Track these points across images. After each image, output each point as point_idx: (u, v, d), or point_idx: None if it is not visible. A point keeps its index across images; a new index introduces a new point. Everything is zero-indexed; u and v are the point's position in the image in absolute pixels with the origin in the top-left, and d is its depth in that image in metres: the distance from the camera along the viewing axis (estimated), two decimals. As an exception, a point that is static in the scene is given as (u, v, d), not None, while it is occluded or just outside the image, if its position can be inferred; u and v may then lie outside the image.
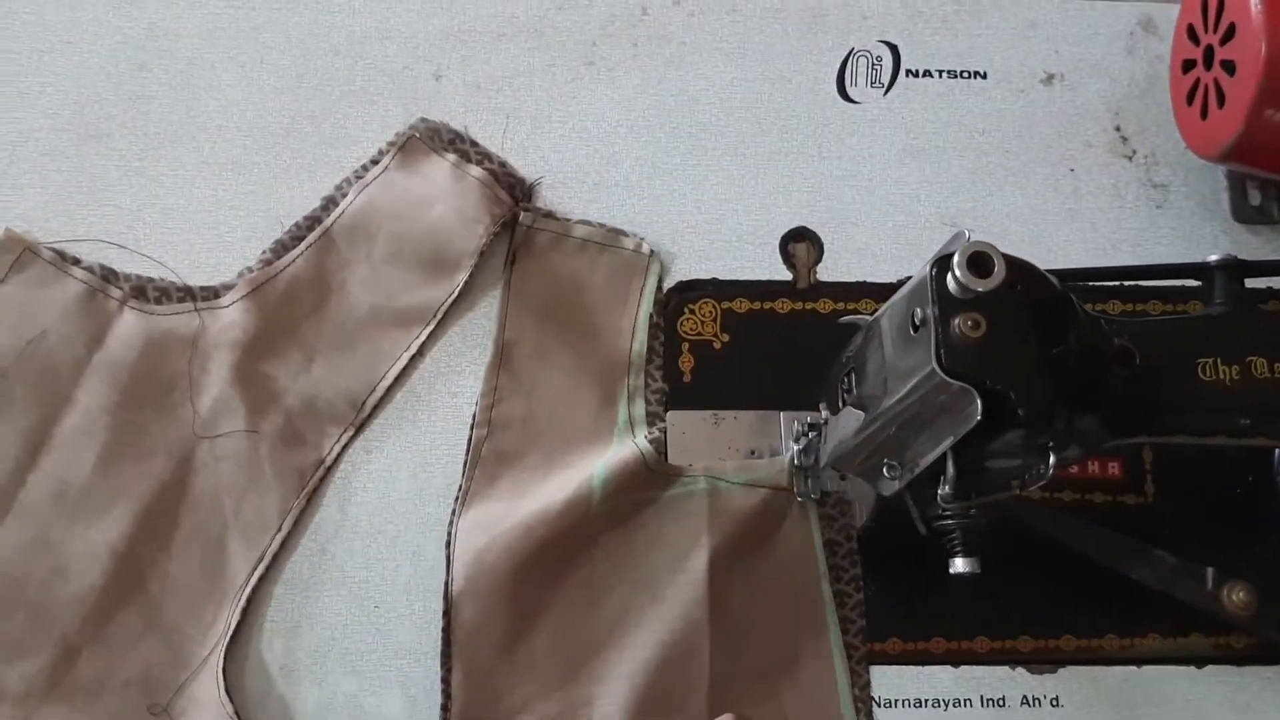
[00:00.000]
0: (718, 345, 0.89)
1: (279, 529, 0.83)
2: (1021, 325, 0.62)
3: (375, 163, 0.91)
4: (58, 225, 0.89)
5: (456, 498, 0.85)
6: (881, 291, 0.91)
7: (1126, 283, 0.92)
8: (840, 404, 0.75)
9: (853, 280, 0.92)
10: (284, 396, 0.86)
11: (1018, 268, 0.62)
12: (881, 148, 0.95)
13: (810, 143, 0.95)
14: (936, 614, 0.85)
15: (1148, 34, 0.99)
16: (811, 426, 0.84)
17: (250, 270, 0.88)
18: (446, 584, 0.82)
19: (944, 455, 0.66)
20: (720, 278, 0.91)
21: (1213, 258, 0.76)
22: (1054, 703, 0.84)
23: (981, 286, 0.60)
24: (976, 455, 0.66)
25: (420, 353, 0.88)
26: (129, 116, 0.92)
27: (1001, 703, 0.84)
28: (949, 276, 0.61)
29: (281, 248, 0.89)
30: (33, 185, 0.90)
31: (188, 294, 0.87)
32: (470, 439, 0.86)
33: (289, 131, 0.93)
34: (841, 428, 0.74)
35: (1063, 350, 0.63)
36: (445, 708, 0.81)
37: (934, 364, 0.61)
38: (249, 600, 0.81)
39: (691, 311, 0.90)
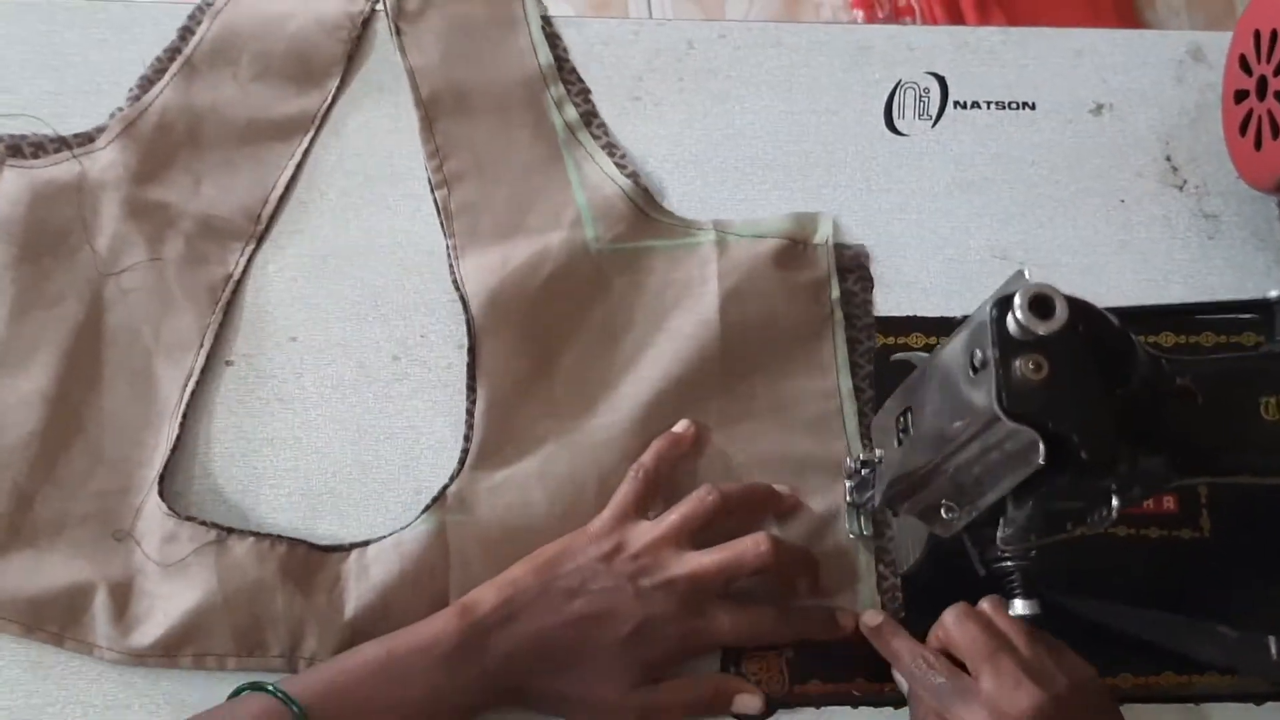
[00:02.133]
0: (768, 381, 0.89)
1: (200, 345, 0.86)
2: (1083, 367, 0.61)
3: None
4: (108, 265, 0.89)
5: (447, 252, 0.89)
6: (932, 325, 0.90)
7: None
8: (896, 443, 0.74)
9: (903, 314, 0.91)
10: (179, 221, 0.88)
11: (1079, 308, 0.61)
12: (930, 180, 0.95)
13: (858, 176, 0.94)
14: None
15: (1197, 63, 0.98)
16: (865, 463, 0.83)
17: (120, 109, 0.90)
18: (468, 322, 0.86)
19: (1003, 497, 0.65)
20: (769, 313, 0.90)
21: (1273, 293, 0.75)
22: (1111, 741, 0.83)
23: (1043, 329, 0.59)
24: (1037, 497, 0.65)
25: (306, 160, 0.92)
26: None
27: (1058, 741, 0.83)
28: (1010, 318, 0.60)
29: (147, 82, 0.91)
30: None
31: (63, 143, 0.89)
32: (436, 201, 0.90)
33: (335, 169, 0.93)
34: (897, 468, 0.74)
35: (1125, 391, 0.63)
36: (467, 438, 0.85)
37: (995, 407, 0.60)
38: (185, 416, 0.85)
39: (741, 347, 0.89)
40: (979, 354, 0.62)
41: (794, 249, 0.90)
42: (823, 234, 0.91)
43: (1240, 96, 0.91)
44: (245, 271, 0.89)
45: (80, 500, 0.83)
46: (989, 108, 0.97)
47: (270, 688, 0.73)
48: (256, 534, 0.81)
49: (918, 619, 0.83)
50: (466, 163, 0.91)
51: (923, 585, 0.85)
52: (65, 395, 0.84)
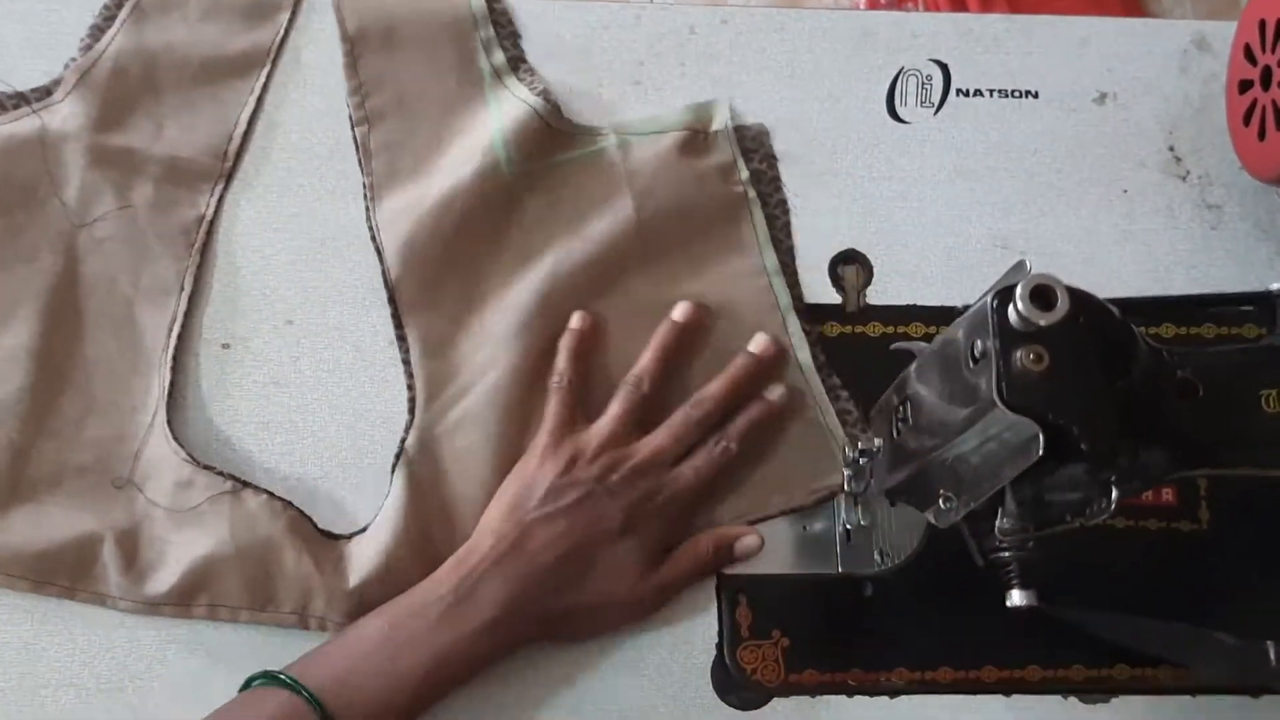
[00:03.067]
0: (767, 369, 0.89)
1: (181, 288, 0.87)
2: (1084, 358, 0.61)
3: None
4: (104, 247, 0.89)
5: (364, 194, 0.89)
6: (932, 315, 0.90)
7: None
8: (895, 433, 0.74)
9: (903, 303, 0.91)
10: (146, 166, 0.88)
11: (1080, 299, 0.61)
12: (932, 168, 0.94)
13: (859, 163, 0.94)
14: (988, 642, 0.84)
15: (1201, 52, 0.98)
16: (862, 452, 0.83)
17: (73, 60, 0.89)
18: (384, 273, 0.87)
19: (1002, 488, 0.65)
20: (769, 301, 0.90)
21: (1275, 286, 0.74)
22: (1107, 733, 0.83)
23: (1044, 320, 0.59)
24: (1036, 488, 0.65)
25: (266, 93, 0.92)
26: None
27: (1054, 733, 0.83)
28: (1010, 309, 0.60)
29: (98, 31, 0.90)
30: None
31: (21, 99, 0.89)
32: (355, 138, 0.90)
33: (332, 154, 0.92)
34: (895, 458, 0.73)
35: (1125, 383, 0.62)
36: (410, 387, 0.86)
37: (995, 398, 0.60)
38: (174, 360, 0.85)
39: (740, 335, 0.89)
40: (979, 344, 0.62)
41: (695, 138, 0.91)
42: (720, 119, 0.92)
43: (1244, 86, 0.90)
44: (217, 212, 0.89)
45: (76, 450, 0.83)
46: (992, 96, 0.96)
47: (285, 678, 0.74)
48: (270, 493, 0.82)
49: (916, 609, 0.84)
50: (389, 100, 0.91)
51: (920, 576, 0.84)
52: (50, 348, 0.84)
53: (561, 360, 0.85)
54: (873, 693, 0.84)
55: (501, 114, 0.89)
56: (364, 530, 0.83)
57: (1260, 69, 0.88)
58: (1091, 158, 0.95)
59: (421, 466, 0.84)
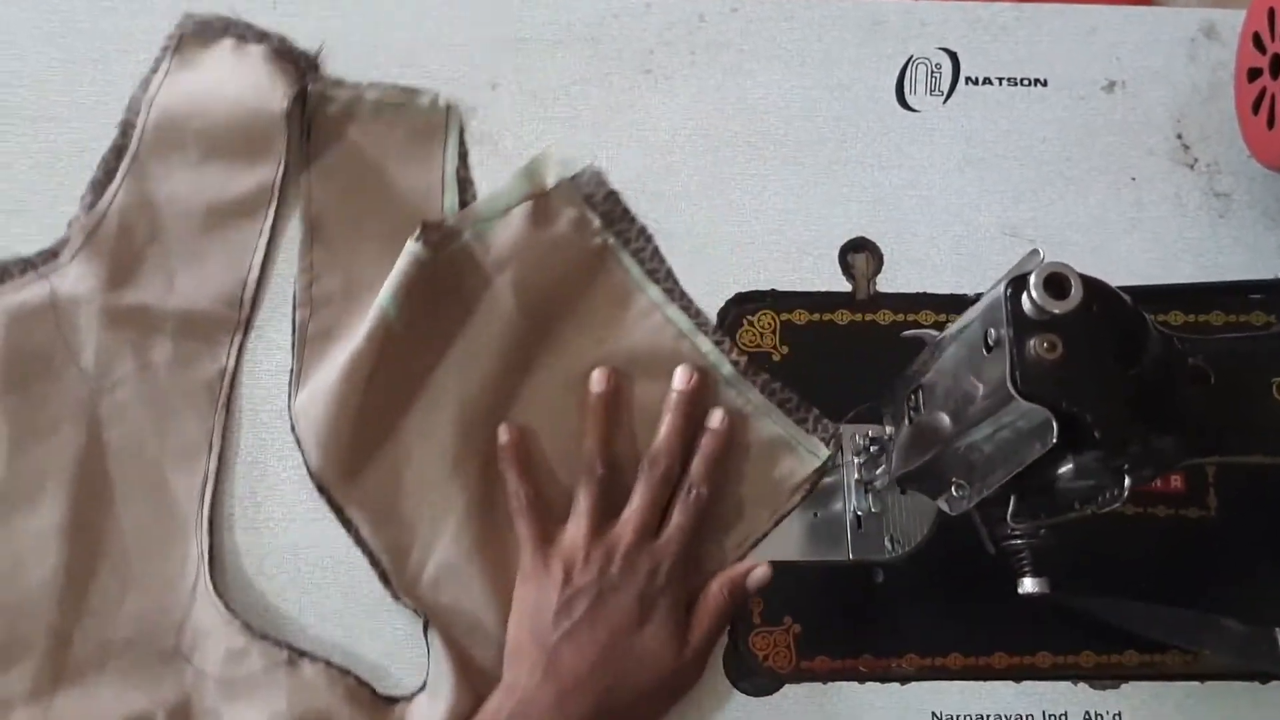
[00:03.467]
0: (776, 357, 0.89)
1: (210, 447, 0.84)
2: (1097, 346, 0.61)
3: (153, 71, 0.90)
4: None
5: (290, 381, 0.86)
6: (942, 303, 0.90)
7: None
8: (907, 421, 0.74)
9: (912, 291, 0.91)
10: (162, 322, 0.86)
11: (1093, 288, 0.61)
12: (941, 156, 0.94)
13: (869, 152, 0.94)
14: (998, 629, 0.85)
15: (1210, 40, 0.98)
16: (873, 440, 0.84)
17: (78, 218, 0.87)
18: (305, 464, 0.84)
19: (1014, 475, 0.65)
20: (779, 289, 0.91)
21: (1285, 274, 0.75)
22: (1117, 718, 0.84)
23: (1058, 308, 0.59)
24: (1048, 476, 0.65)
25: (278, 233, 0.88)
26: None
27: (1064, 718, 0.84)
28: (1024, 297, 0.60)
29: (99, 186, 0.88)
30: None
31: (27, 265, 0.86)
32: (293, 321, 0.87)
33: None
34: (908, 446, 0.74)
35: (1138, 371, 0.62)
36: (375, 564, 0.83)
37: (1009, 386, 0.60)
38: (211, 521, 0.83)
39: (750, 323, 0.89)
40: (993, 333, 0.62)
41: (540, 204, 0.88)
42: (553, 175, 0.89)
43: (1253, 75, 0.91)
44: (238, 363, 0.86)
45: (118, 626, 0.81)
46: (1001, 84, 0.96)
47: None
48: (327, 661, 0.81)
49: (926, 597, 0.84)
50: (336, 285, 0.87)
51: (931, 562, 0.85)
52: (81, 524, 0.82)
53: (511, 480, 0.83)
54: (884, 679, 0.84)
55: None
56: (422, 689, 0.82)
57: (1269, 57, 0.88)
58: (1100, 146, 0.95)
59: (436, 618, 0.82)
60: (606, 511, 0.82)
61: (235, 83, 0.89)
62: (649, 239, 0.90)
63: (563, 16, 0.95)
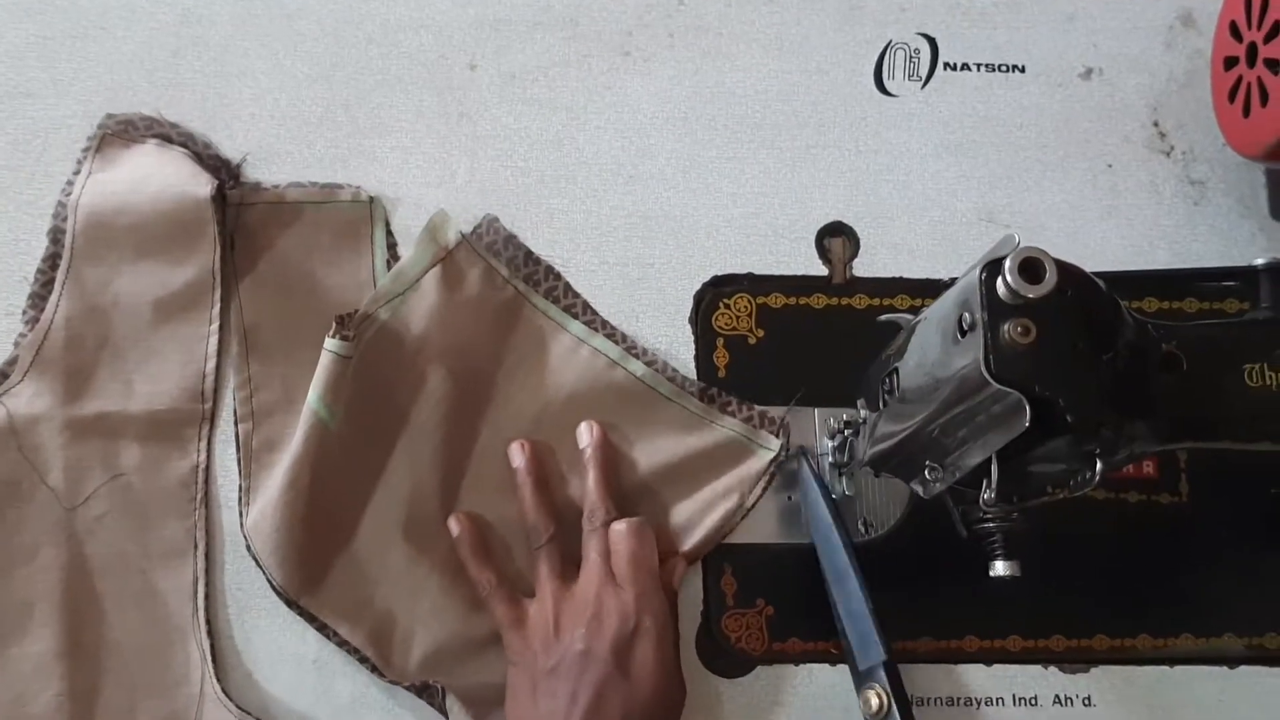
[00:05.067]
0: (752, 340, 0.89)
1: (195, 545, 0.83)
2: (1071, 331, 0.61)
3: (75, 173, 0.88)
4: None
5: (239, 499, 0.84)
6: (917, 287, 0.91)
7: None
8: (881, 404, 0.74)
9: (888, 275, 0.91)
10: (126, 428, 0.84)
11: (1068, 273, 0.61)
12: (918, 142, 0.94)
13: (847, 136, 0.94)
14: (969, 613, 0.85)
15: (1187, 28, 0.98)
16: (848, 424, 0.84)
17: (23, 336, 0.85)
18: (268, 581, 0.82)
19: (988, 459, 0.66)
20: (755, 272, 0.91)
21: (1259, 261, 0.75)
22: (1086, 702, 0.84)
23: (1032, 293, 0.59)
24: (1021, 460, 0.65)
25: (228, 315, 0.86)
26: (161, 104, 0.91)
27: (1034, 702, 0.84)
28: (999, 281, 0.60)
29: (38, 300, 0.85)
30: (66, 174, 0.89)
31: None
32: (237, 435, 0.85)
33: (322, 120, 0.92)
34: (882, 429, 0.74)
35: (1111, 357, 0.63)
36: (364, 660, 0.82)
37: (983, 370, 0.60)
38: (208, 621, 0.82)
39: (726, 306, 0.89)
40: (967, 317, 0.62)
41: (447, 266, 0.86)
42: (451, 234, 0.87)
43: (1230, 63, 0.91)
44: (210, 456, 0.85)
45: None
46: (979, 70, 0.96)
47: None
48: None
49: (898, 580, 0.84)
50: (277, 397, 0.85)
51: (904, 545, 0.85)
52: (77, 644, 0.80)
53: (472, 569, 0.83)
54: (856, 661, 0.84)
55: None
56: None
57: (1246, 46, 0.89)
58: (1077, 132, 0.96)
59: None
60: (566, 571, 0.82)
61: (159, 176, 0.87)
62: (558, 276, 0.89)
63: (542, -2, 0.95)
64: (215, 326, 0.86)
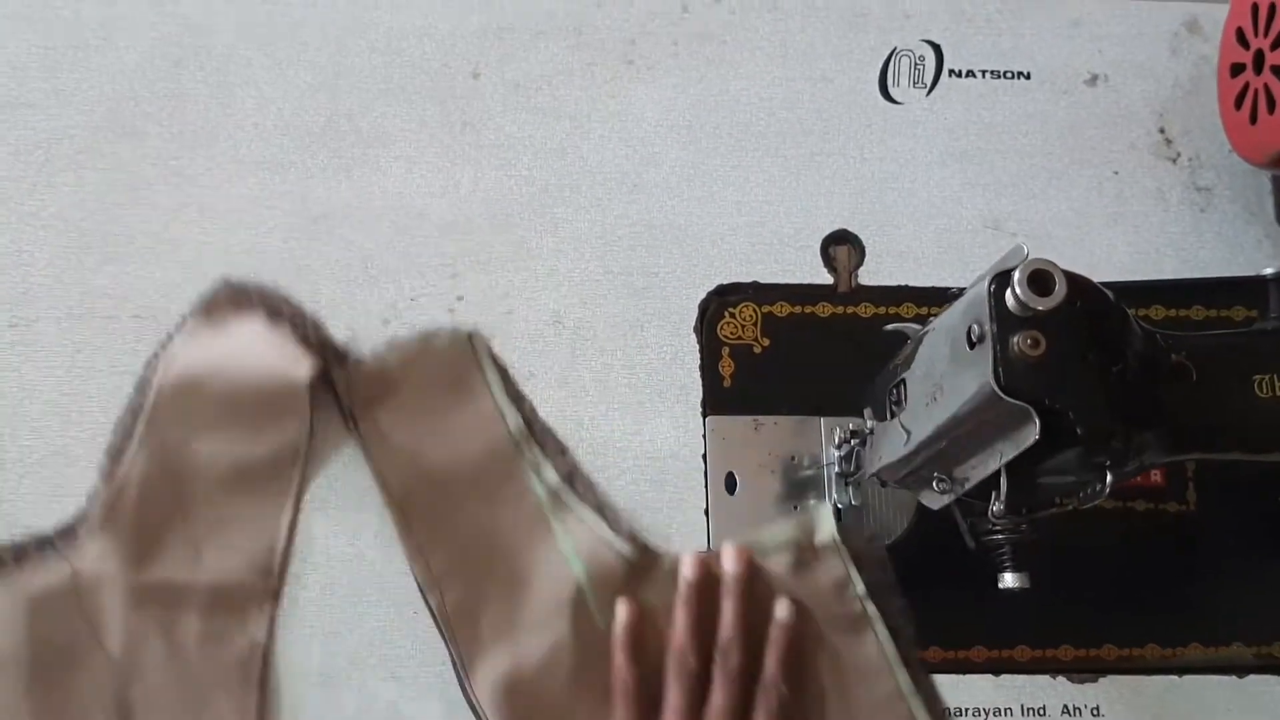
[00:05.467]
0: (758, 349, 0.89)
1: None
2: (1080, 343, 0.61)
3: (179, 328, 0.85)
4: (94, 225, 0.88)
5: (454, 667, 0.81)
6: (923, 296, 0.90)
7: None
8: (889, 414, 0.74)
9: (894, 284, 0.91)
10: (189, 598, 0.80)
11: (1077, 285, 0.61)
12: (924, 149, 0.94)
13: (852, 144, 0.94)
14: (977, 622, 0.85)
15: (1192, 35, 0.98)
16: (854, 433, 0.83)
17: (96, 491, 0.82)
18: None
19: (996, 471, 0.65)
20: (760, 281, 0.90)
21: (1268, 271, 0.75)
22: (1095, 712, 0.84)
23: (1042, 305, 0.59)
24: (1030, 472, 0.65)
25: (305, 494, 0.84)
26: (164, 114, 0.91)
27: (1042, 712, 0.84)
28: (1008, 293, 0.60)
29: (116, 452, 0.82)
30: (68, 184, 0.89)
31: (46, 544, 0.80)
32: (430, 607, 0.82)
33: (325, 130, 0.92)
34: (890, 440, 0.73)
35: (1121, 368, 0.62)
36: None
37: (992, 383, 0.60)
38: None
39: (732, 315, 0.89)
40: (976, 328, 0.62)
41: (803, 557, 0.82)
42: (825, 530, 0.83)
43: (1236, 70, 0.91)
44: (271, 636, 0.81)
45: None
46: (984, 76, 0.96)
47: None
48: None
49: (905, 589, 0.83)
50: (453, 559, 0.83)
51: (910, 555, 0.85)
52: None
53: (618, 659, 0.79)
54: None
55: (579, 552, 0.82)
56: None
57: (1253, 53, 0.88)
58: (1083, 139, 0.95)
59: None
60: (696, 707, 0.78)
61: (259, 349, 0.83)
62: (910, 622, 0.82)
63: (545, 5, 0.95)
64: (292, 503, 0.83)
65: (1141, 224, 0.94)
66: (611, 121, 0.93)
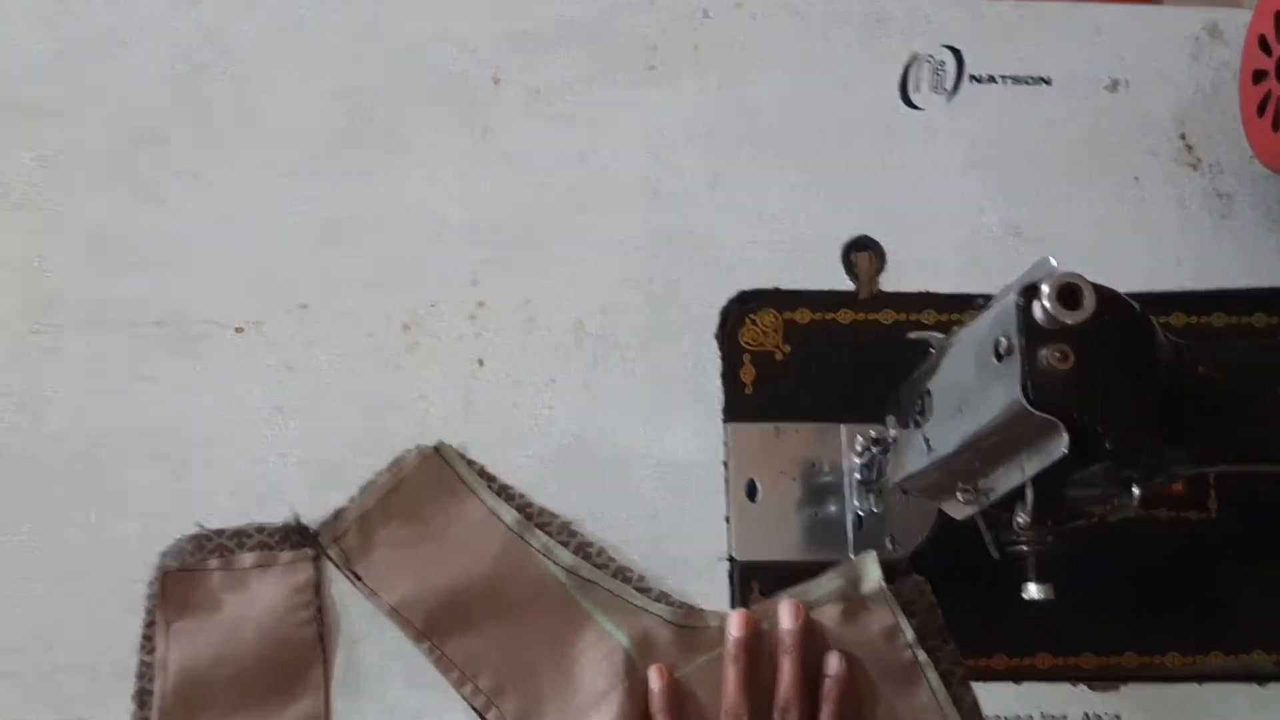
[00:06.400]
0: (779, 356, 0.89)
1: None
2: (1108, 356, 0.61)
3: (150, 625, 0.81)
4: (116, 231, 0.88)
5: None
6: (945, 303, 0.90)
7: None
8: (913, 424, 0.74)
9: (915, 290, 0.91)
10: None
11: (1106, 298, 0.61)
12: (944, 156, 0.94)
13: (873, 150, 0.94)
14: (998, 630, 0.85)
15: (1214, 40, 0.98)
16: (875, 440, 0.83)
17: None
18: None
19: (1022, 483, 0.65)
20: (781, 287, 0.90)
21: (1291, 280, 0.75)
22: (1116, 719, 0.84)
23: (1071, 319, 0.59)
24: (1057, 484, 0.65)
25: None
26: (184, 119, 0.91)
27: (1063, 719, 0.83)
28: (1037, 306, 0.60)
29: None
30: (88, 189, 0.89)
31: None
32: None
33: (346, 136, 0.92)
34: (913, 450, 0.73)
35: (1148, 380, 0.62)
36: None
37: (1020, 396, 0.60)
38: None
39: (753, 322, 0.89)
40: (1004, 341, 0.62)
41: (851, 606, 0.83)
42: (872, 578, 0.83)
43: (1259, 77, 0.90)
44: None
45: None
46: (1005, 82, 0.96)
47: None
48: None
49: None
50: (499, 671, 0.82)
51: (929, 564, 0.85)
52: None
53: None
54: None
55: (619, 624, 0.82)
56: None
57: (1275, 60, 0.88)
58: (1104, 146, 0.95)
59: None
60: None
61: (253, 615, 0.82)
62: (961, 664, 0.82)
63: (566, 11, 0.95)
64: None
65: (1162, 231, 0.93)
66: (632, 128, 0.93)
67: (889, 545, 0.85)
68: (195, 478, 0.84)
